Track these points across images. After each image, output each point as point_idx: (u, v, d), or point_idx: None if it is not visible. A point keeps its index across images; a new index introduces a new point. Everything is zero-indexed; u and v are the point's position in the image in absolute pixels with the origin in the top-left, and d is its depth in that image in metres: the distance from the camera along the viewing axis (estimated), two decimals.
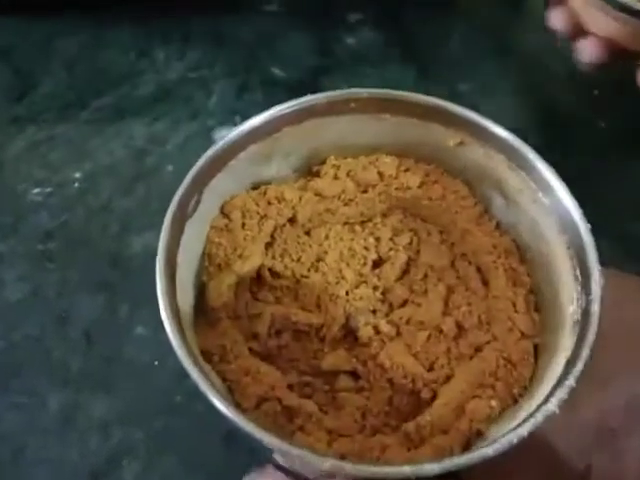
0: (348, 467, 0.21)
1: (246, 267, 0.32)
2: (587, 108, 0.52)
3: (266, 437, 0.22)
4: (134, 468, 0.33)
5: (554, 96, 0.53)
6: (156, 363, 0.37)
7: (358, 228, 0.37)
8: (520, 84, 0.53)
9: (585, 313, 0.27)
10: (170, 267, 0.27)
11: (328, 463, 0.21)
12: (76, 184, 0.44)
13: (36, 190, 0.44)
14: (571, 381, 0.24)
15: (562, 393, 0.24)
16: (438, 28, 0.57)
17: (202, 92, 0.50)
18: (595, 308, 0.26)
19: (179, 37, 0.52)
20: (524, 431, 0.23)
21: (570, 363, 0.26)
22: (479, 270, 0.35)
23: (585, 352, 0.25)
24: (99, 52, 0.51)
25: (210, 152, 0.31)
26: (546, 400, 0.24)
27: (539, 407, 0.24)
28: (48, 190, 0.44)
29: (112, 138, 0.46)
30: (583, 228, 0.29)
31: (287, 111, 0.32)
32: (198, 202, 0.30)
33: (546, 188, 0.31)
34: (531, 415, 0.24)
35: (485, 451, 0.22)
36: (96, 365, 0.36)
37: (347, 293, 0.35)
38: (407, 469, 0.21)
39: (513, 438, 0.23)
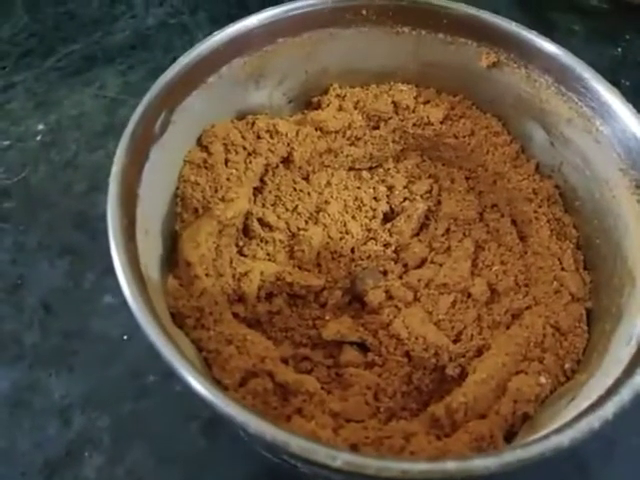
0: (369, 464, 0.15)
1: (230, 212, 0.26)
2: None
3: (253, 422, 0.16)
4: (97, 460, 0.29)
5: None
6: (125, 337, 0.33)
7: (366, 174, 0.32)
8: None
9: None
10: (128, 199, 0.21)
11: (340, 459, 0.15)
12: (38, 137, 0.40)
13: None
14: None
15: None
16: None
17: (184, 39, 0.46)
18: None
19: None
20: (608, 413, 0.17)
21: None
22: (515, 222, 0.29)
23: None
24: None
25: (183, 60, 0.24)
26: (629, 372, 0.18)
27: (621, 381, 0.18)
28: (6, 143, 0.40)
29: (80, 88, 0.43)
30: None
31: (283, 16, 0.26)
32: (167, 123, 0.24)
33: (607, 114, 0.25)
34: (612, 392, 0.18)
35: (560, 440, 0.16)
36: (55, 340, 0.32)
37: (353, 251, 0.30)
38: (451, 466, 0.15)
39: (594, 422, 0.17)
